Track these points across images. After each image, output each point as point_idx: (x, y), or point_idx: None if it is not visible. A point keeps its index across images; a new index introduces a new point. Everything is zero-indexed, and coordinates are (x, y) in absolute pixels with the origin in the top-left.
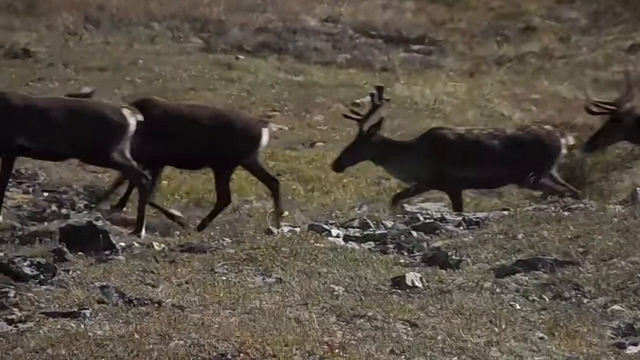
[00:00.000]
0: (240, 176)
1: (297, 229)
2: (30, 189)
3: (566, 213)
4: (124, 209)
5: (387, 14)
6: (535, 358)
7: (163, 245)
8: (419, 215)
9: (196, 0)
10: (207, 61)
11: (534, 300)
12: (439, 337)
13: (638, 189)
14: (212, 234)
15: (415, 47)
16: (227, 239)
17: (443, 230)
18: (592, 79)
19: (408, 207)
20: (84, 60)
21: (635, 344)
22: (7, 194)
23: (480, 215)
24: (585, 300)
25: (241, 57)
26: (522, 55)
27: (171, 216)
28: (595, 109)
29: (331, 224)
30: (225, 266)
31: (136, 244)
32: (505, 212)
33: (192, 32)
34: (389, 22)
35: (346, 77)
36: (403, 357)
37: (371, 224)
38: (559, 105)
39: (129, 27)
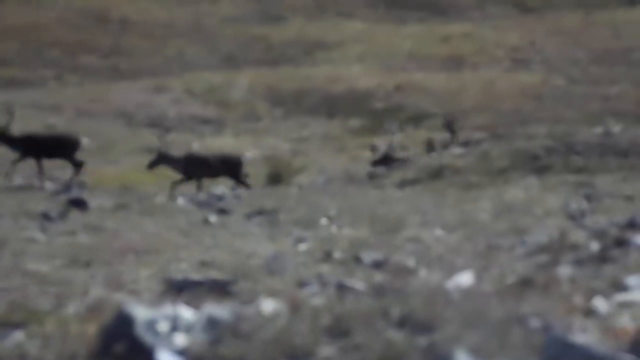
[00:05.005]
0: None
1: (163, 199)
2: (55, 182)
3: (274, 192)
4: None
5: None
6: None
7: (109, 205)
8: (214, 192)
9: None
10: None
11: (259, 226)
12: (222, 243)
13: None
14: (128, 200)
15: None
16: (136, 203)
17: (225, 198)
18: None
19: (211, 189)
20: None
21: (303, 244)
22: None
23: (240, 193)
24: (281, 227)
25: None
26: None
27: None
28: None
29: (177, 197)
30: (134, 214)
31: (98, 204)
32: (251, 191)
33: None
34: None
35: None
36: (214, 252)
37: (194, 197)
38: None
39: None
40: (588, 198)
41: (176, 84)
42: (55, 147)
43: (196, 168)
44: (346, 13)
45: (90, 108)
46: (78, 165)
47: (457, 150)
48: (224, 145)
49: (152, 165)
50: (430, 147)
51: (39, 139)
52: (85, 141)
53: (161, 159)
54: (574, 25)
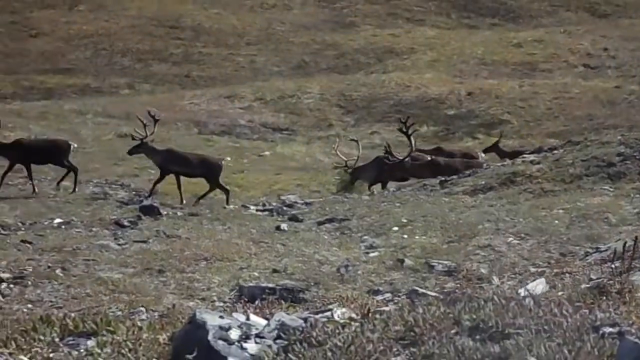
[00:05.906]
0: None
1: (235, 207)
2: (127, 190)
3: (346, 199)
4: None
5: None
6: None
7: (181, 213)
8: (286, 200)
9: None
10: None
11: (331, 233)
12: (293, 250)
13: (373, 188)
14: (200, 208)
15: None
16: (207, 210)
17: (296, 206)
18: None
19: (283, 196)
20: None
21: (374, 251)
22: (119, 191)
23: (310, 200)
24: (352, 235)
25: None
26: None
27: None
28: None
29: (249, 204)
30: (206, 222)
31: (170, 212)
32: (322, 199)
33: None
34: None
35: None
36: (286, 259)
37: (265, 204)
38: None
39: None
40: None
41: (248, 91)
42: (45, 152)
43: (173, 163)
44: (417, 20)
45: (162, 116)
46: (72, 171)
47: (530, 156)
48: (296, 152)
49: (133, 151)
50: (388, 153)
51: (29, 145)
52: (75, 146)
53: (143, 147)
54: None
